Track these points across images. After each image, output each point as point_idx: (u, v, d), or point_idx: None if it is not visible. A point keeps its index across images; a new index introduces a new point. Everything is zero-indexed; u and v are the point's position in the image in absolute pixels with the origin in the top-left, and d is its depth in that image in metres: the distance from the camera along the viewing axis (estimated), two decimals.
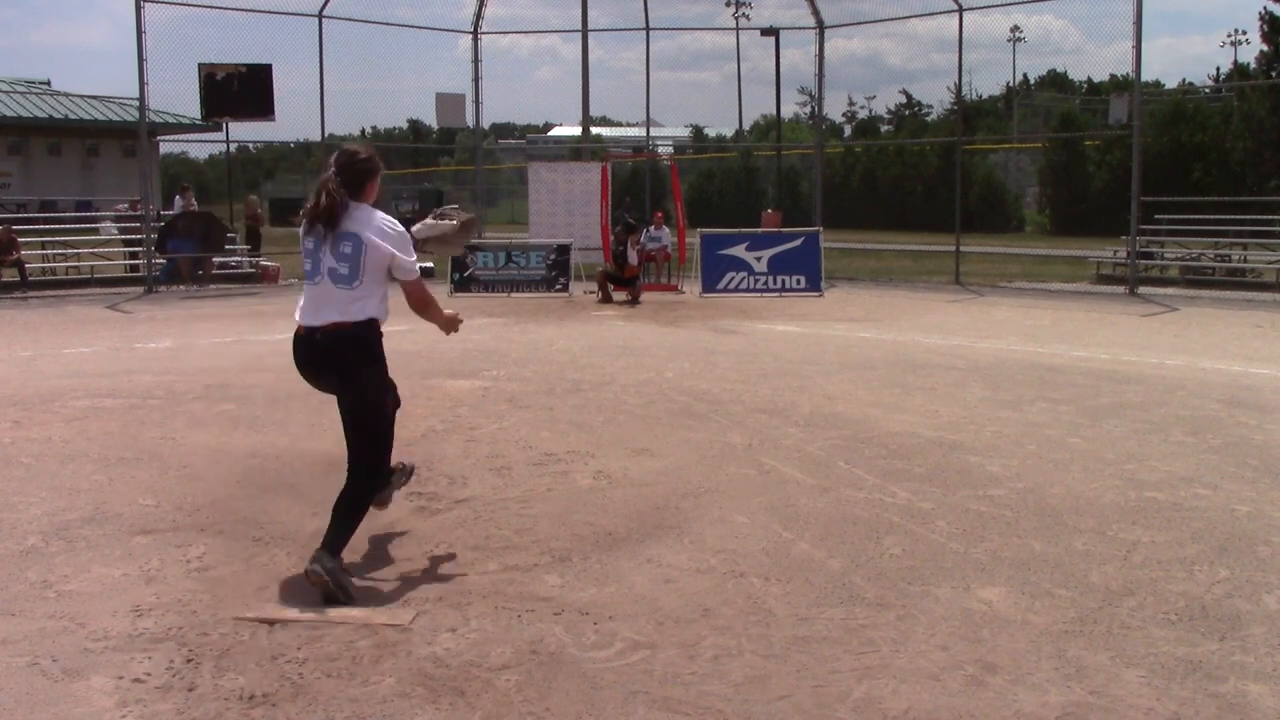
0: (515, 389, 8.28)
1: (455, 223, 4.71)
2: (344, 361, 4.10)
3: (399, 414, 6.12)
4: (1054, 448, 6.36)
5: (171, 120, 25.58)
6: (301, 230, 4.16)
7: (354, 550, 4.48)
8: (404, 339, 12.36)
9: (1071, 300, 16.03)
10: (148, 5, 16.73)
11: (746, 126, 49.24)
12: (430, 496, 5.30)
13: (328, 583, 3.87)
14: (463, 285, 17.06)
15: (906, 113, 54.73)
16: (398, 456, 4.99)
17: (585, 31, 22.89)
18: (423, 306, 4.32)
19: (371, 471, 4.23)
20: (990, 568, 4.33)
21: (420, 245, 4.50)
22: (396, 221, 4.21)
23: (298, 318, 4.15)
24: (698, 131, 56.36)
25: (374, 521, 4.77)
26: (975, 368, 9.39)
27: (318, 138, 19.58)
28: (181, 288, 17.48)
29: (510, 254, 17.47)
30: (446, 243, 4.80)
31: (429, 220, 4.75)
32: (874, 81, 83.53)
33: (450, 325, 4.55)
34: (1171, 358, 10.04)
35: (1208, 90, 37.64)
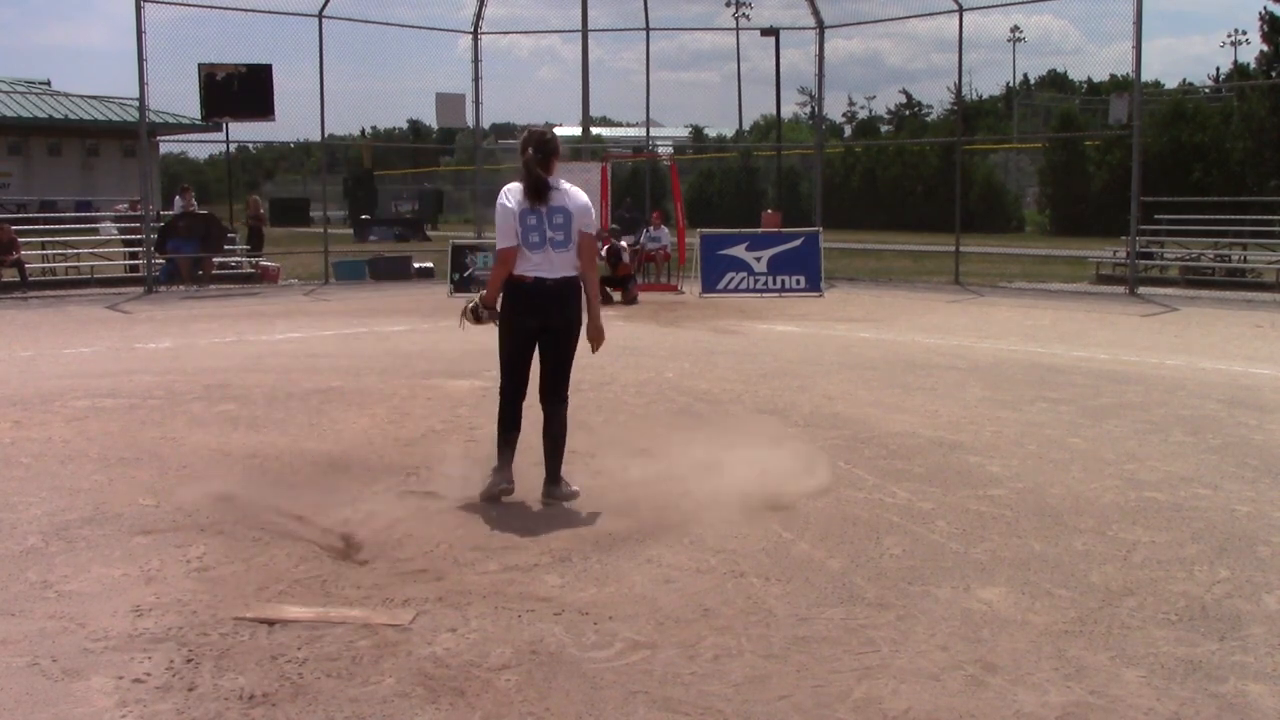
0: None
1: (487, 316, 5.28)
2: (569, 307, 5.04)
3: (400, 414, 6.13)
4: (1054, 448, 6.36)
5: (171, 120, 25.59)
6: (515, 209, 4.97)
7: (354, 550, 4.48)
8: (403, 339, 12.37)
9: (1071, 300, 16.04)
10: (148, 5, 16.73)
11: (746, 126, 49.24)
12: (430, 496, 5.29)
13: (564, 500, 5.06)
14: (463, 285, 17.06)
15: (906, 113, 54.72)
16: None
17: (585, 31, 22.90)
18: (592, 259, 5.18)
19: (566, 400, 5.20)
20: (990, 568, 4.33)
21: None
22: (581, 191, 5.18)
23: (523, 271, 4.98)
24: (698, 131, 56.34)
25: (374, 522, 4.77)
26: (975, 368, 9.39)
27: (318, 138, 19.60)
28: (181, 288, 17.48)
29: None
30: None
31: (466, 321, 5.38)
32: (874, 81, 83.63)
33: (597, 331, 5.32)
34: (1171, 358, 10.04)
35: (1208, 90, 37.64)
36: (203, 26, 18.56)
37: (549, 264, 4.99)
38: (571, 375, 5.21)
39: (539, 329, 5.08)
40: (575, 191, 5.12)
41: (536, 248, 4.98)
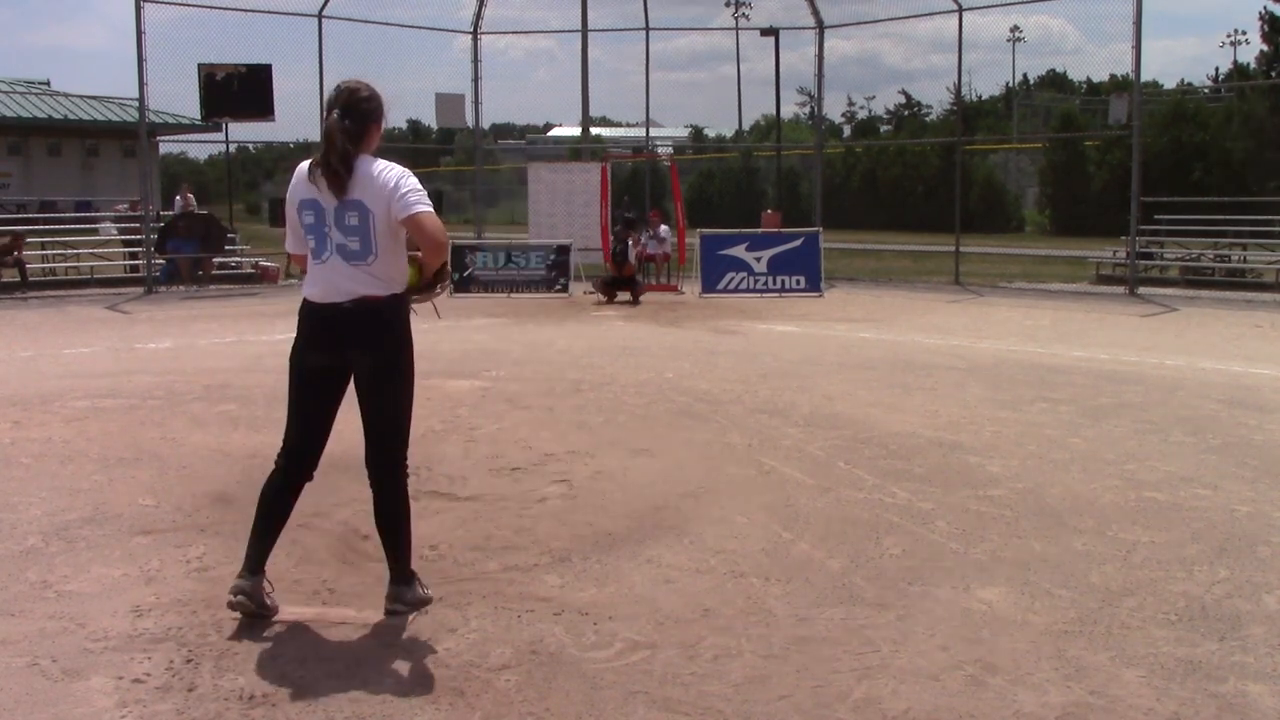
0: (515, 389, 8.28)
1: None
2: (377, 336, 3.66)
3: None
4: (1054, 448, 6.36)
5: (171, 120, 25.58)
6: (296, 200, 3.66)
7: (354, 550, 4.48)
8: None
9: (1071, 300, 16.03)
10: (147, 5, 16.73)
11: (746, 127, 49.25)
12: (430, 496, 5.30)
13: (414, 609, 3.78)
14: (463, 285, 17.06)
15: (906, 113, 54.71)
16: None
17: (585, 32, 22.89)
18: (440, 251, 3.68)
19: (400, 466, 3.84)
20: (990, 568, 4.33)
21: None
22: (393, 164, 3.63)
23: (307, 290, 3.72)
24: (697, 132, 56.34)
25: (374, 522, 4.77)
26: (975, 368, 9.39)
27: (317, 138, 19.56)
28: (181, 288, 17.48)
29: (510, 254, 17.48)
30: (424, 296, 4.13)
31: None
32: (873, 82, 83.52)
33: (439, 279, 3.86)
34: (1171, 358, 10.04)
35: (1207, 90, 37.64)
36: (202, 26, 18.54)
37: (337, 281, 3.60)
38: (410, 431, 3.90)
39: (331, 369, 3.70)
40: (382, 172, 3.57)
41: (317, 256, 3.64)
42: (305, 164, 3.67)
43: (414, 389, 3.83)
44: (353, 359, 3.68)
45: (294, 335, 3.76)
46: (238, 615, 3.74)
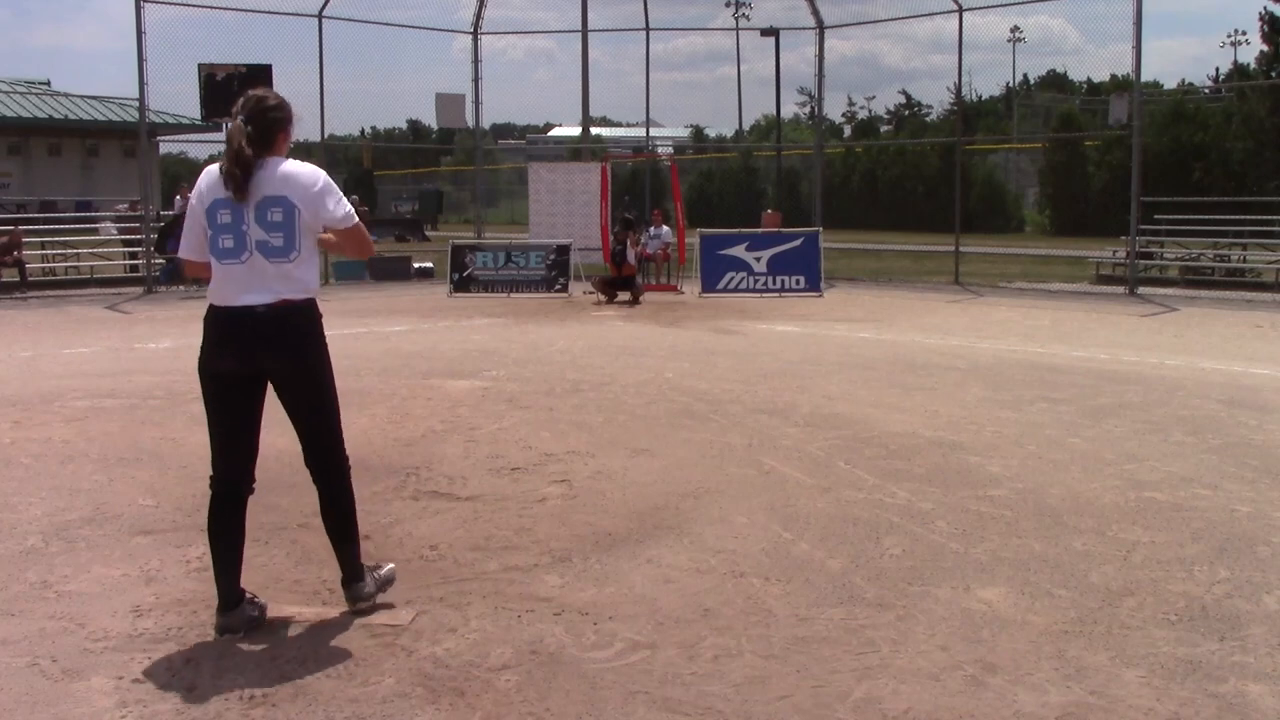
0: (515, 389, 8.28)
1: None
2: (291, 345, 3.58)
3: (400, 414, 6.14)
4: (1054, 448, 6.36)
5: (171, 120, 25.61)
6: (206, 201, 3.58)
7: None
8: (403, 339, 12.36)
9: (1071, 300, 16.03)
10: (147, 5, 16.74)
11: (746, 127, 49.23)
12: (430, 496, 5.30)
13: (373, 605, 3.80)
14: (462, 285, 17.07)
15: (906, 113, 54.73)
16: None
17: (585, 32, 22.89)
18: (364, 248, 3.90)
19: (341, 466, 3.79)
20: (990, 568, 4.33)
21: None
22: (315, 167, 3.67)
23: (218, 296, 3.57)
24: (698, 132, 56.36)
25: (375, 522, 4.77)
26: (975, 368, 9.39)
27: (317, 138, 19.58)
28: (181, 288, 17.46)
29: (510, 254, 17.48)
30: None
31: None
32: (873, 82, 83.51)
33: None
34: (1171, 358, 10.04)
35: (1208, 90, 37.64)
36: (203, 27, 18.59)
37: (257, 282, 3.51)
38: (341, 430, 3.81)
39: (249, 377, 3.59)
40: (301, 172, 3.60)
41: (230, 257, 3.53)
42: (214, 166, 3.66)
43: (335, 387, 3.78)
44: (269, 368, 3.59)
45: (200, 348, 3.62)
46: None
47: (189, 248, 3.66)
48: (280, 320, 3.53)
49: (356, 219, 3.70)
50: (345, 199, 3.66)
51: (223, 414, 3.63)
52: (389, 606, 3.85)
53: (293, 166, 3.60)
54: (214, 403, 3.62)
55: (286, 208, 3.53)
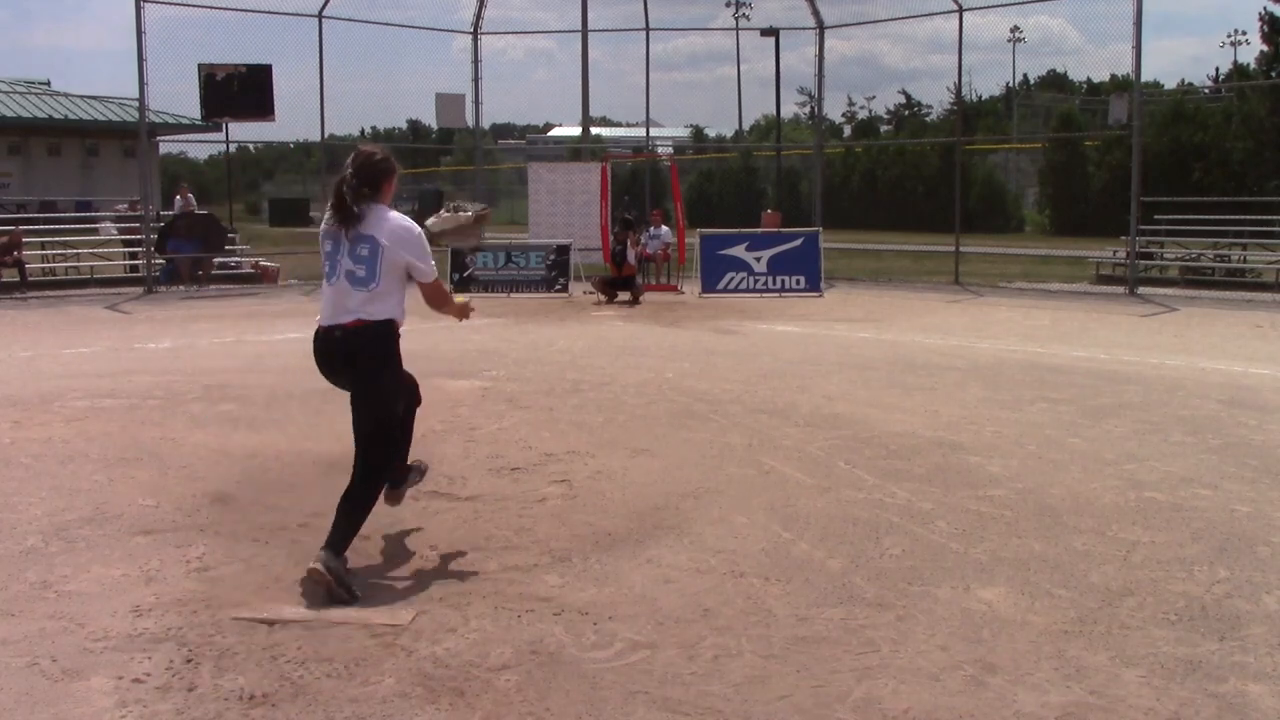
0: (515, 389, 8.28)
1: (471, 214, 4.82)
2: (361, 360, 4.18)
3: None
4: (1054, 448, 6.36)
5: (171, 120, 25.59)
6: (321, 231, 4.26)
7: (354, 551, 4.48)
8: (403, 339, 12.31)
9: (1071, 300, 16.03)
10: (147, 5, 16.73)
11: (746, 127, 49.23)
12: (430, 496, 5.30)
13: (331, 582, 3.89)
14: (462, 285, 17.04)
15: (906, 113, 54.71)
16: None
17: (585, 32, 22.89)
18: (439, 304, 4.46)
19: (377, 472, 4.27)
20: (990, 568, 4.33)
21: (435, 239, 4.61)
22: (413, 223, 4.26)
23: (319, 318, 4.25)
24: (698, 132, 56.34)
25: (375, 522, 4.77)
26: (975, 368, 9.39)
27: (317, 138, 19.59)
28: (181, 288, 17.48)
29: (510, 254, 17.47)
30: (463, 235, 4.92)
31: (443, 213, 4.86)
32: (873, 82, 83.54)
33: (462, 313, 4.71)
34: (1171, 358, 10.04)
35: (1207, 90, 37.64)
36: (203, 27, 18.56)
37: (341, 306, 4.13)
38: (397, 445, 4.42)
39: (342, 383, 4.29)
40: (396, 224, 4.16)
41: (327, 281, 4.19)
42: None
43: (400, 405, 4.37)
44: (348, 377, 4.24)
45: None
46: (238, 615, 3.76)
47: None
48: (353, 339, 4.14)
49: (435, 276, 4.30)
50: (431, 260, 4.26)
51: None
52: (387, 604, 3.85)
53: (391, 216, 4.20)
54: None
55: (373, 246, 4.11)
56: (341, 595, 3.89)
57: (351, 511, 4.12)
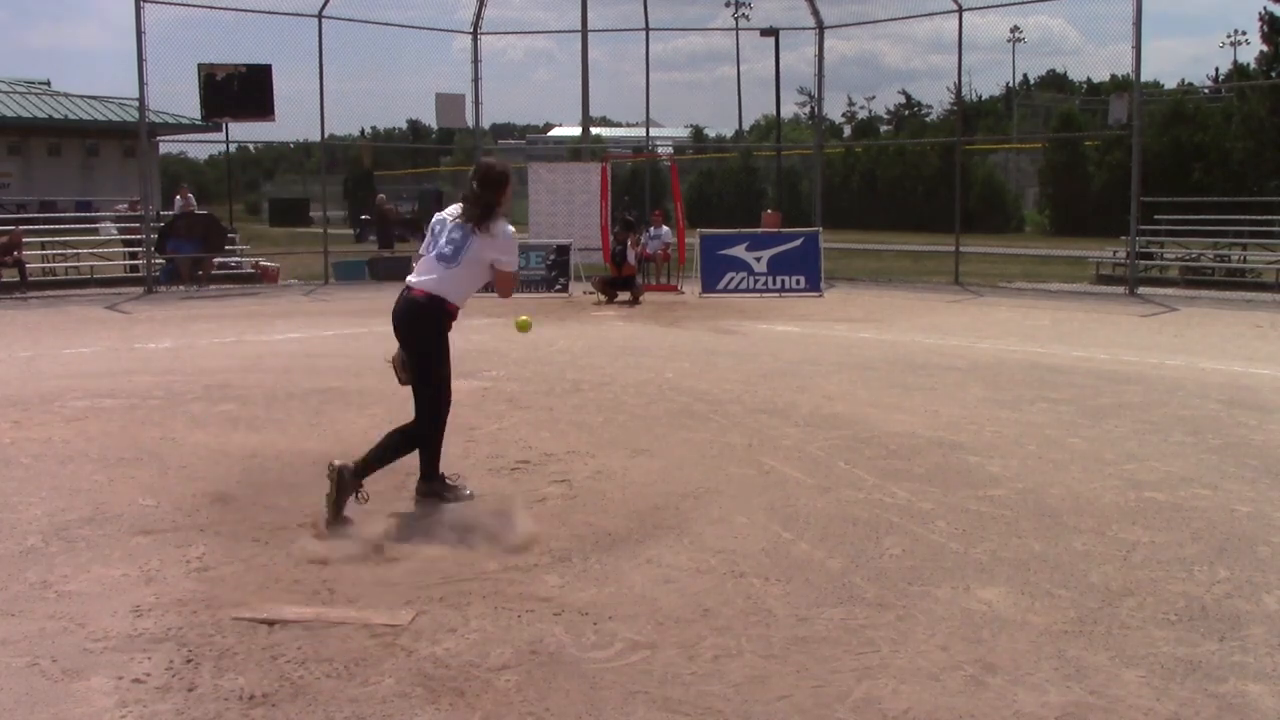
0: (515, 389, 8.28)
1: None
2: (416, 326, 4.88)
3: (400, 414, 6.07)
4: (1054, 448, 6.36)
5: (171, 120, 25.59)
6: (435, 219, 5.05)
7: (354, 551, 4.48)
8: None
9: (1071, 300, 16.03)
10: (147, 5, 16.72)
11: (746, 127, 49.23)
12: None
13: (335, 483, 4.60)
14: None
15: (906, 113, 54.71)
16: (407, 455, 5.01)
17: (585, 32, 22.89)
18: (506, 292, 5.14)
19: (425, 426, 4.95)
20: (990, 568, 4.33)
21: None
22: (510, 229, 5.01)
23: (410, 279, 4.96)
24: (698, 132, 56.34)
25: (375, 521, 4.77)
26: (975, 368, 9.39)
27: (317, 138, 19.59)
28: (181, 288, 17.47)
29: None
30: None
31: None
32: (873, 82, 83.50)
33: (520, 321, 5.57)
34: (1171, 358, 10.04)
35: (1207, 90, 37.65)
36: (202, 27, 18.57)
37: (426, 270, 4.92)
38: (434, 413, 5.00)
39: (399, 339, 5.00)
40: (503, 228, 4.97)
41: (425, 252, 5.02)
42: (455, 206, 5.09)
43: (441, 379, 4.99)
44: (406, 339, 4.92)
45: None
46: (238, 615, 3.76)
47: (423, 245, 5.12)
48: (416, 305, 4.87)
49: (513, 270, 5.07)
50: (516, 257, 5.10)
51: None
52: (387, 604, 3.85)
53: (494, 219, 4.94)
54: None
55: (465, 233, 4.90)
56: (336, 502, 4.61)
57: (388, 447, 4.88)
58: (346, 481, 4.65)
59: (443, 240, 4.93)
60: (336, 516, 4.62)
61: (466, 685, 3.27)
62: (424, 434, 4.97)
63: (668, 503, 5.18)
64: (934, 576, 4.21)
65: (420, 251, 5.15)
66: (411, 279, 4.94)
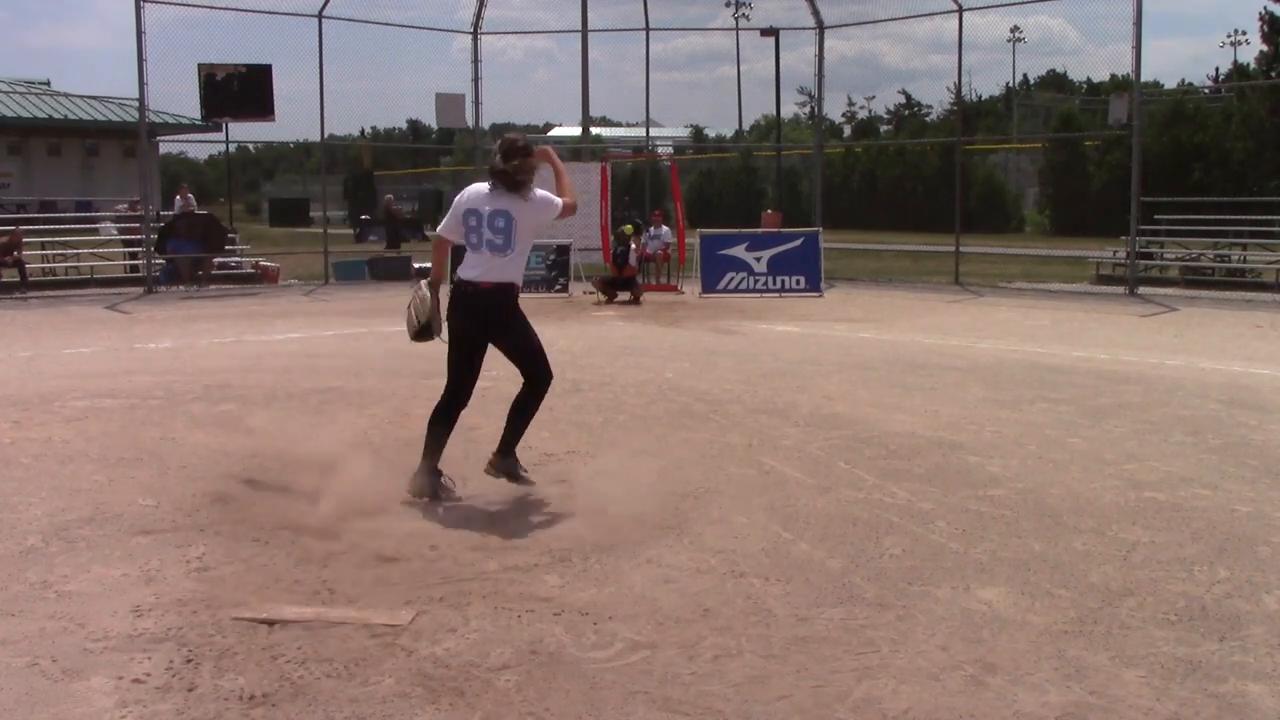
0: (515, 389, 8.26)
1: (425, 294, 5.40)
2: (496, 313, 5.10)
3: (400, 414, 6.06)
4: (1054, 448, 6.36)
5: (171, 120, 25.59)
6: (460, 207, 5.15)
7: (355, 550, 4.48)
8: (403, 339, 12.31)
9: (1071, 300, 16.03)
10: (147, 5, 16.72)
11: (746, 127, 49.21)
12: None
13: (505, 479, 5.13)
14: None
15: (906, 113, 54.70)
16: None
17: (585, 32, 22.89)
18: (573, 210, 5.35)
19: (534, 382, 5.26)
20: (990, 568, 4.33)
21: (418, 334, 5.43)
22: (541, 191, 5.15)
23: (462, 272, 5.09)
24: (698, 132, 56.32)
25: (376, 521, 4.77)
26: (975, 368, 9.39)
27: (317, 138, 19.59)
28: (181, 288, 17.47)
29: None
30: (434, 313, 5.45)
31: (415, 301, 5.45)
32: (873, 82, 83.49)
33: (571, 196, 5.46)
34: (1171, 358, 10.04)
35: (1207, 90, 37.64)
36: (202, 27, 18.60)
37: (484, 265, 5.06)
38: (551, 366, 5.34)
39: (475, 332, 5.13)
40: (535, 194, 5.13)
41: (475, 249, 5.11)
42: (479, 184, 5.24)
43: (537, 336, 5.28)
44: (491, 327, 5.12)
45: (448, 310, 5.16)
46: (238, 615, 3.76)
47: (447, 228, 5.30)
48: (495, 294, 5.06)
49: (561, 205, 5.22)
50: (558, 200, 5.22)
51: (459, 356, 5.19)
52: (387, 604, 3.85)
53: (527, 187, 5.09)
54: (455, 347, 5.19)
55: (508, 218, 5.04)
56: (522, 478, 5.23)
57: (523, 414, 5.27)
58: (506, 464, 5.25)
59: (487, 233, 5.05)
60: (525, 480, 5.25)
61: (466, 685, 3.27)
62: (544, 385, 5.28)
63: (668, 503, 5.18)
64: (934, 576, 4.21)
65: (441, 234, 5.33)
66: (470, 274, 5.06)
